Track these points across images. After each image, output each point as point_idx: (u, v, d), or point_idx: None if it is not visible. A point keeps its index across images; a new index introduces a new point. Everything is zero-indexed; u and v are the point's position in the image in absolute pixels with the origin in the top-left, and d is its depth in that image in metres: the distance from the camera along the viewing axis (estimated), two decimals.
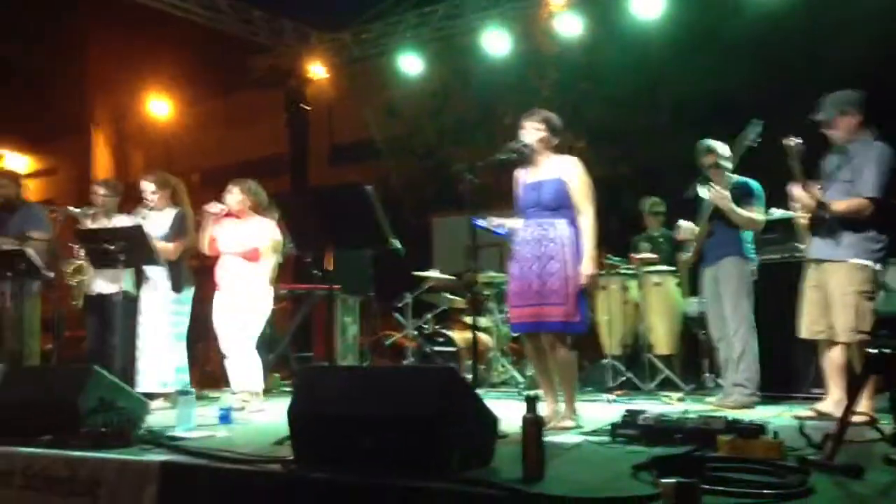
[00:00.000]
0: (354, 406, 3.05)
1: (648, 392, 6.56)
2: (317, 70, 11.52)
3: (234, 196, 5.83)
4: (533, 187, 4.54)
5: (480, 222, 4.51)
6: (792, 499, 2.42)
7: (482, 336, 7.67)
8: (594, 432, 3.96)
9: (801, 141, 4.59)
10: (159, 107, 13.78)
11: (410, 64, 10.27)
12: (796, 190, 4.69)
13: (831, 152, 4.73)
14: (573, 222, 4.44)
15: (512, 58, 9.66)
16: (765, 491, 2.45)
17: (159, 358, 5.96)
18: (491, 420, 3.11)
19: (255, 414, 5.45)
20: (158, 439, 3.81)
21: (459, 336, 7.52)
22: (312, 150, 13.18)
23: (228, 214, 5.85)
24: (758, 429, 3.37)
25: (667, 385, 6.74)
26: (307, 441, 3.14)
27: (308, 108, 11.78)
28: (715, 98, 8.57)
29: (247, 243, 5.78)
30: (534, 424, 2.81)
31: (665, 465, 2.72)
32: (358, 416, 3.02)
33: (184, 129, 14.85)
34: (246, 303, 5.76)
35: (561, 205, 4.44)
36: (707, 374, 6.76)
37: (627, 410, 3.85)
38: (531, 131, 4.53)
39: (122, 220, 6.36)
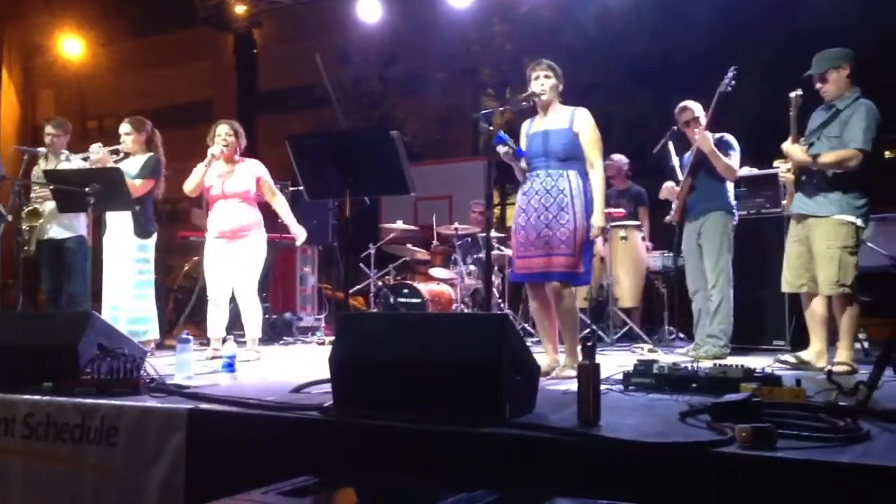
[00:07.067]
0: (403, 352, 2.99)
1: (612, 343, 6.69)
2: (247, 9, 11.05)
3: (229, 137, 5.57)
4: (540, 136, 4.50)
5: (503, 136, 4.34)
6: (854, 443, 2.50)
7: (445, 289, 7.67)
8: (603, 381, 3.99)
9: (801, 93, 4.70)
10: (71, 45, 13.01)
11: (368, 9, 9.88)
12: (788, 145, 4.79)
13: (819, 109, 4.84)
14: (582, 174, 4.42)
15: (472, 9, 9.53)
16: (833, 435, 2.52)
17: (126, 306, 5.74)
18: (535, 367, 3.11)
19: (251, 362, 5.31)
20: (168, 386, 3.67)
21: (424, 287, 7.48)
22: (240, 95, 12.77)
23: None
24: (777, 377, 3.49)
25: (626, 337, 6.91)
26: (349, 387, 3.07)
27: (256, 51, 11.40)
28: (671, 55, 8.67)
29: (242, 185, 5.58)
30: (592, 371, 2.82)
31: (720, 412, 2.76)
32: (407, 362, 2.95)
33: (98, 70, 14.18)
34: (246, 247, 5.56)
35: (571, 156, 4.41)
36: (667, 327, 6.95)
37: (639, 360, 3.91)
38: (542, 79, 4.49)
39: (77, 163, 6.10)
